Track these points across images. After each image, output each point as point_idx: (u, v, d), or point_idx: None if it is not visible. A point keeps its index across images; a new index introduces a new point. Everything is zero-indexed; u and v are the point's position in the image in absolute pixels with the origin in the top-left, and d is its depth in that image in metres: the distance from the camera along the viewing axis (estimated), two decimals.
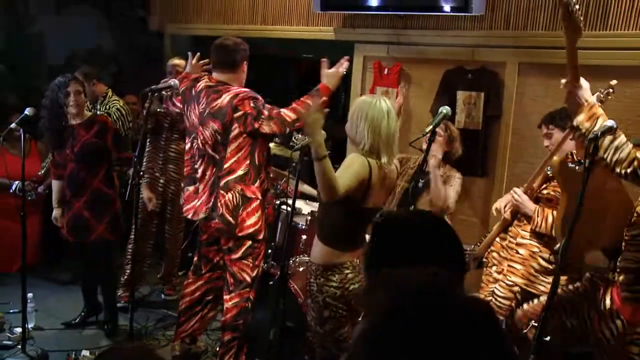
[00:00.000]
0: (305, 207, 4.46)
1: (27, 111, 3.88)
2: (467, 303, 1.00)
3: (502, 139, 4.60)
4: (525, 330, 3.30)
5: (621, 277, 2.58)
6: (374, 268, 1.51)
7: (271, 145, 4.62)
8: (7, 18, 6.05)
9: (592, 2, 4.12)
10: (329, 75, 3.53)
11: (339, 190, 2.73)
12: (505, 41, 4.50)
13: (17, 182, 4.56)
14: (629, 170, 2.39)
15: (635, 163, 2.37)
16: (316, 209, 4.20)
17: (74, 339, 4.27)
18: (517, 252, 3.41)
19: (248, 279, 3.59)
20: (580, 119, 2.49)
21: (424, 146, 3.09)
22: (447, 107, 2.88)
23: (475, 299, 1.08)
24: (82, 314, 4.45)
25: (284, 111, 3.48)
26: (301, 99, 3.54)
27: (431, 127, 2.88)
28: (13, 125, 3.95)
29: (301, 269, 3.91)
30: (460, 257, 1.59)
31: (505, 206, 3.55)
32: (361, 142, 2.95)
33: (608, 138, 2.42)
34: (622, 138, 2.43)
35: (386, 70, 5.16)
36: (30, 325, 4.12)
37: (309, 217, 4.23)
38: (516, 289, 3.35)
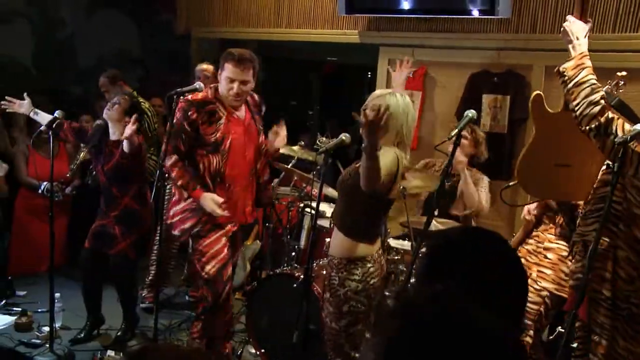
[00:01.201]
0: (329, 209, 4.45)
1: (57, 113, 3.94)
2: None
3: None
4: (552, 337, 3.28)
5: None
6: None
7: (295, 148, 4.65)
8: (39, 23, 6.18)
9: (622, 3, 4.08)
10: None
11: (380, 181, 2.73)
12: (531, 44, 4.46)
13: (45, 183, 4.65)
14: (592, 126, 2.39)
15: (598, 123, 2.37)
16: None
17: (100, 338, 4.32)
18: (546, 257, 3.38)
19: None
20: (567, 65, 2.51)
21: (450, 149, 3.08)
22: (472, 110, 2.88)
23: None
24: (87, 327, 4.32)
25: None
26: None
27: (457, 130, 2.87)
28: (43, 127, 4.03)
29: (324, 272, 3.90)
30: (522, 298, 1.44)
31: (533, 209, 3.53)
32: (401, 141, 2.95)
33: (585, 91, 2.42)
34: (597, 95, 2.42)
35: (411, 73, 5.14)
36: (57, 325, 4.18)
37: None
38: (544, 293, 3.33)
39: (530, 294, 3.35)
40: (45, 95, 4.92)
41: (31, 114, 4.20)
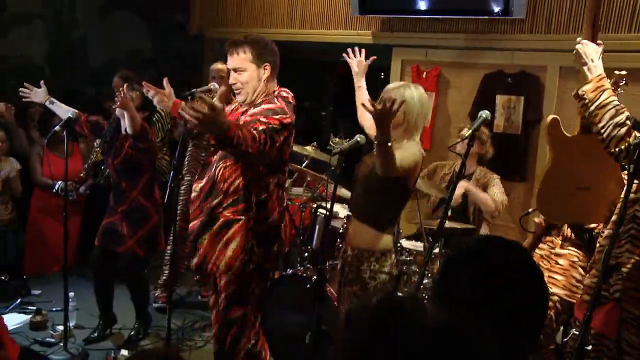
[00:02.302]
0: (343, 210, 4.46)
1: (70, 114, 3.98)
2: None
3: (542, 144, 4.54)
4: (565, 340, 3.27)
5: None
6: (438, 300, 1.39)
7: (308, 148, 4.67)
8: (53, 24, 6.25)
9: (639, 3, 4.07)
10: None
11: (397, 169, 2.73)
12: (546, 44, 4.45)
13: (59, 183, 4.68)
14: (622, 147, 2.39)
15: (628, 144, 2.36)
16: None
17: (114, 338, 4.36)
18: (557, 263, 3.38)
19: None
20: (587, 88, 2.51)
21: (462, 150, 3.08)
22: (486, 111, 2.88)
23: None
24: (100, 327, 4.34)
25: None
26: None
27: (471, 131, 2.87)
28: (57, 128, 4.07)
29: (344, 266, 3.91)
30: (542, 311, 1.40)
31: None
32: (414, 130, 2.97)
33: (609, 113, 2.41)
34: (622, 116, 2.42)
35: (424, 73, 5.15)
36: (71, 324, 4.21)
37: (346, 221, 4.23)
38: (555, 298, 3.32)
39: None
40: (58, 95, 4.97)
41: (47, 103, 4.22)
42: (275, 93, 2.99)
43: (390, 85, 3.03)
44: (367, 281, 3.02)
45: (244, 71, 2.94)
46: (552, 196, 2.89)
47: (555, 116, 2.95)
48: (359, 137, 2.99)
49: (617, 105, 2.46)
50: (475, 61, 4.89)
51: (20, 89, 4.18)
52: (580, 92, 2.53)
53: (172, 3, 6.97)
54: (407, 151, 2.87)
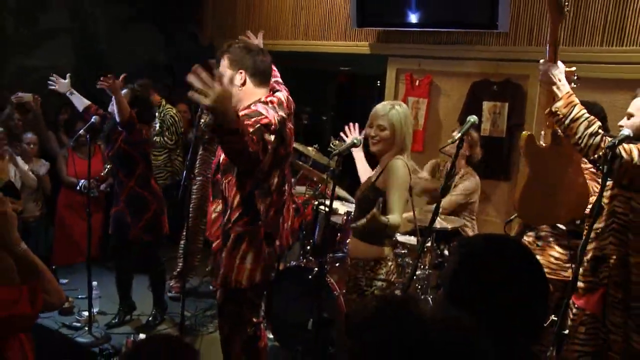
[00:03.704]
0: (342, 207, 4.48)
1: (93, 119, 4.01)
2: None
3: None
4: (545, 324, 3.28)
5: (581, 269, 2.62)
6: (449, 296, 1.36)
7: (310, 149, 4.68)
8: (80, 36, 6.33)
9: (610, 18, 4.07)
10: None
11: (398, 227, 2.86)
12: (528, 55, 4.46)
13: (83, 181, 4.73)
14: (600, 154, 2.43)
15: (604, 151, 2.41)
16: (351, 210, 4.23)
17: (133, 323, 4.39)
18: (537, 245, 3.38)
19: None
20: (559, 105, 2.55)
21: (453, 151, 3.09)
22: (474, 116, 2.89)
23: None
24: (120, 313, 4.40)
25: None
26: None
27: (460, 134, 2.88)
28: (81, 131, 4.11)
29: (337, 265, 3.94)
30: (542, 310, 1.37)
31: None
32: (405, 148, 2.99)
33: (583, 125, 2.44)
34: (594, 126, 2.46)
35: (417, 81, 5.17)
36: (95, 310, 4.26)
37: (345, 217, 4.25)
38: None
39: None
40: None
41: (68, 94, 4.28)
42: (262, 99, 2.72)
43: (379, 106, 3.03)
44: (364, 289, 3.02)
45: (224, 75, 2.55)
46: (529, 203, 2.93)
47: (529, 132, 2.98)
48: (355, 139, 3.00)
49: (589, 117, 2.49)
50: (464, 70, 4.90)
51: (49, 79, 4.26)
52: (553, 109, 2.56)
53: (186, 16, 6.99)
54: (399, 192, 2.90)
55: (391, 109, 2.98)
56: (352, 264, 3.13)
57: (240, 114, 2.51)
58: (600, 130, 2.46)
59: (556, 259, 3.29)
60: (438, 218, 3.59)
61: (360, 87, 8.24)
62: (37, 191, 5.03)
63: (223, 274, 2.81)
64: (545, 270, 3.34)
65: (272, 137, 2.61)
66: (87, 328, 4.05)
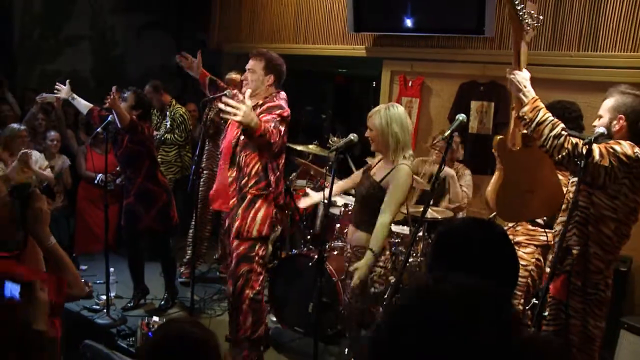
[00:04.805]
0: (340, 199, 4.49)
1: (110, 118, 4.02)
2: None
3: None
4: (528, 307, 3.30)
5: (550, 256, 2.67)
6: (431, 273, 1.42)
7: (311, 147, 4.70)
8: (98, 43, 6.38)
9: (585, 27, 4.10)
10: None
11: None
12: (512, 59, 4.46)
13: (100, 175, 4.76)
14: (564, 154, 2.43)
15: (567, 151, 2.42)
16: (349, 202, 4.26)
17: (147, 306, 4.43)
18: (515, 229, 3.40)
19: None
20: (525, 109, 2.55)
21: (442, 148, 3.11)
22: (463, 114, 2.91)
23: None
24: (135, 297, 4.43)
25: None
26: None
27: (449, 132, 2.90)
28: (99, 129, 4.13)
29: (335, 252, 3.96)
30: (514, 275, 1.45)
31: None
32: (405, 149, 2.99)
33: (547, 128, 2.45)
34: (558, 128, 2.46)
35: (410, 82, 5.19)
36: (112, 294, 4.29)
37: (343, 208, 4.27)
38: (530, 267, 3.30)
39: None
40: (102, 102, 5.03)
41: (70, 99, 4.30)
42: (274, 94, 3.31)
43: (375, 109, 3.05)
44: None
45: (254, 72, 3.31)
46: (505, 201, 2.92)
47: (500, 136, 2.98)
48: (352, 136, 3.01)
49: (553, 119, 2.49)
50: (453, 72, 4.92)
51: (56, 86, 4.31)
52: (520, 114, 2.57)
53: (195, 24, 7.00)
54: (398, 192, 2.94)
55: (377, 112, 3.01)
56: (353, 251, 3.15)
57: (266, 105, 3.21)
58: (563, 132, 2.45)
59: (533, 225, 3.30)
60: (429, 209, 3.61)
61: (356, 88, 8.27)
62: (57, 184, 5.06)
63: (237, 227, 3.26)
64: (523, 238, 3.37)
65: (284, 128, 3.17)
66: (105, 311, 4.08)
